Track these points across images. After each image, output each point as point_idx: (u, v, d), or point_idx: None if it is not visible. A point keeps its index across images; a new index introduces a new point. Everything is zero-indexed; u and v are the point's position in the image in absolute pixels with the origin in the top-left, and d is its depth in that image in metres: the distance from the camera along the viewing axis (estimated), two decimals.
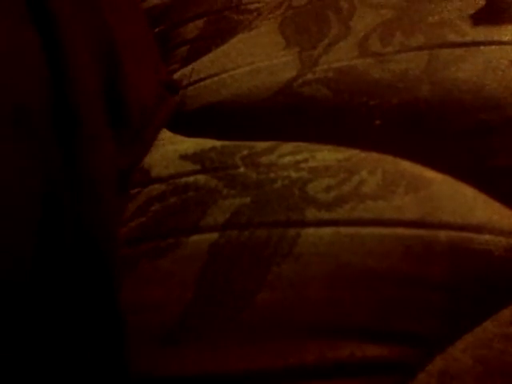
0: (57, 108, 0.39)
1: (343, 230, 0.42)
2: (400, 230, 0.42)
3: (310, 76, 0.52)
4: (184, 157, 0.49)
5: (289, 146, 0.48)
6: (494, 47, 0.50)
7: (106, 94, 0.45)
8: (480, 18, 0.53)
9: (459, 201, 0.43)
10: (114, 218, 0.43)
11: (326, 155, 0.47)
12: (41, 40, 0.39)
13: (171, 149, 0.51)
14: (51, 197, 0.37)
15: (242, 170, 0.47)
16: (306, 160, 0.47)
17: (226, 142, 0.50)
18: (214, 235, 0.43)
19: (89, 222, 0.39)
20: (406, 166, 0.46)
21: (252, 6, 0.63)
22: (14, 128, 0.36)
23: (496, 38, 0.51)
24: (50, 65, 0.39)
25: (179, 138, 0.53)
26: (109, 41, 0.47)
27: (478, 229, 0.41)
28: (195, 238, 0.44)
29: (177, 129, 0.54)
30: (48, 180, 0.37)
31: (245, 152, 0.48)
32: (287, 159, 0.47)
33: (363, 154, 0.47)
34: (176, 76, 0.59)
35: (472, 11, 0.53)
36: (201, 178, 0.47)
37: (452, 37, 0.52)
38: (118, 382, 0.39)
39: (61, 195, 0.38)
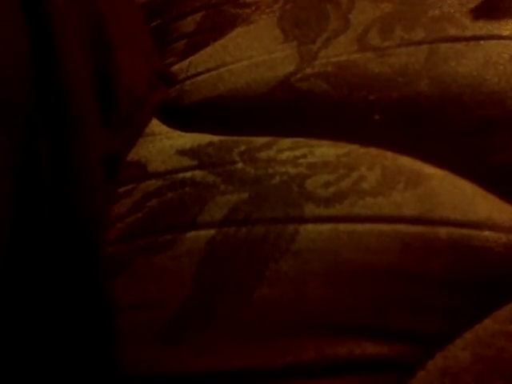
0: (44, 91, 0.39)
1: (342, 226, 0.42)
2: (399, 227, 0.41)
3: (308, 70, 0.52)
4: (181, 152, 0.49)
5: (287, 142, 0.48)
6: (494, 42, 0.50)
7: (96, 78, 0.45)
8: (480, 13, 0.52)
9: (459, 197, 0.43)
10: (102, 201, 0.43)
11: (325, 151, 0.47)
12: (30, 26, 0.38)
13: (168, 144, 0.50)
14: (34, 179, 0.37)
15: (239, 165, 0.47)
16: (304, 155, 0.46)
17: (224, 137, 0.50)
18: (212, 231, 0.43)
19: (74, 207, 0.39)
20: (406, 161, 0.46)
21: (250, 0, 0.63)
22: None
23: (496, 32, 0.50)
24: (38, 49, 0.39)
25: (176, 132, 0.52)
26: (100, 26, 0.47)
27: (478, 225, 0.41)
28: (192, 234, 0.43)
29: (174, 123, 0.53)
30: (31, 163, 0.37)
31: (243, 147, 0.48)
32: (285, 155, 0.47)
33: (362, 150, 0.46)
34: (173, 70, 0.59)
35: (472, 5, 0.53)
36: (198, 173, 0.47)
37: (452, 31, 0.51)
38: (108, 379, 0.38)
39: (45, 178, 0.38)
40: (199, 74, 0.56)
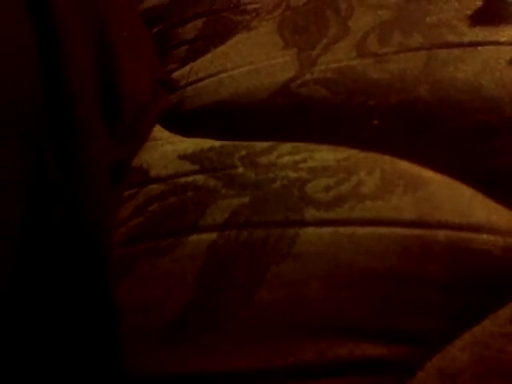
0: (51, 100, 0.39)
1: (342, 229, 0.42)
2: (398, 230, 0.42)
3: (308, 76, 0.52)
4: (183, 157, 0.49)
5: (287, 146, 0.48)
6: (491, 48, 0.50)
7: (101, 87, 0.46)
8: (477, 19, 0.53)
9: (457, 200, 0.43)
10: (107, 208, 0.43)
11: (325, 155, 0.47)
12: (37, 35, 0.39)
13: (170, 149, 0.51)
14: (42, 188, 0.37)
15: (240, 170, 0.47)
16: (304, 160, 0.47)
17: (225, 142, 0.50)
18: (213, 235, 0.43)
19: (81, 213, 0.39)
20: (405, 165, 0.46)
21: (250, 7, 0.63)
22: (4, 124, 0.36)
23: (493, 38, 0.51)
24: (45, 58, 0.39)
25: (178, 137, 0.53)
26: (105, 36, 0.47)
27: (477, 228, 0.41)
28: (194, 237, 0.44)
29: (175, 129, 0.54)
30: (38, 172, 0.37)
31: (243, 152, 0.48)
32: (286, 159, 0.47)
33: (362, 154, 0.47)
34: (174, 76, 0.59)
35: (470, 12, 0.53)
36: (200, 178, 0.47)
37: (450, 37, 0.52)
38: (112, 379, 0.39)
39: (53, 184, 0.38)
40: (200, 79, 0.57)
